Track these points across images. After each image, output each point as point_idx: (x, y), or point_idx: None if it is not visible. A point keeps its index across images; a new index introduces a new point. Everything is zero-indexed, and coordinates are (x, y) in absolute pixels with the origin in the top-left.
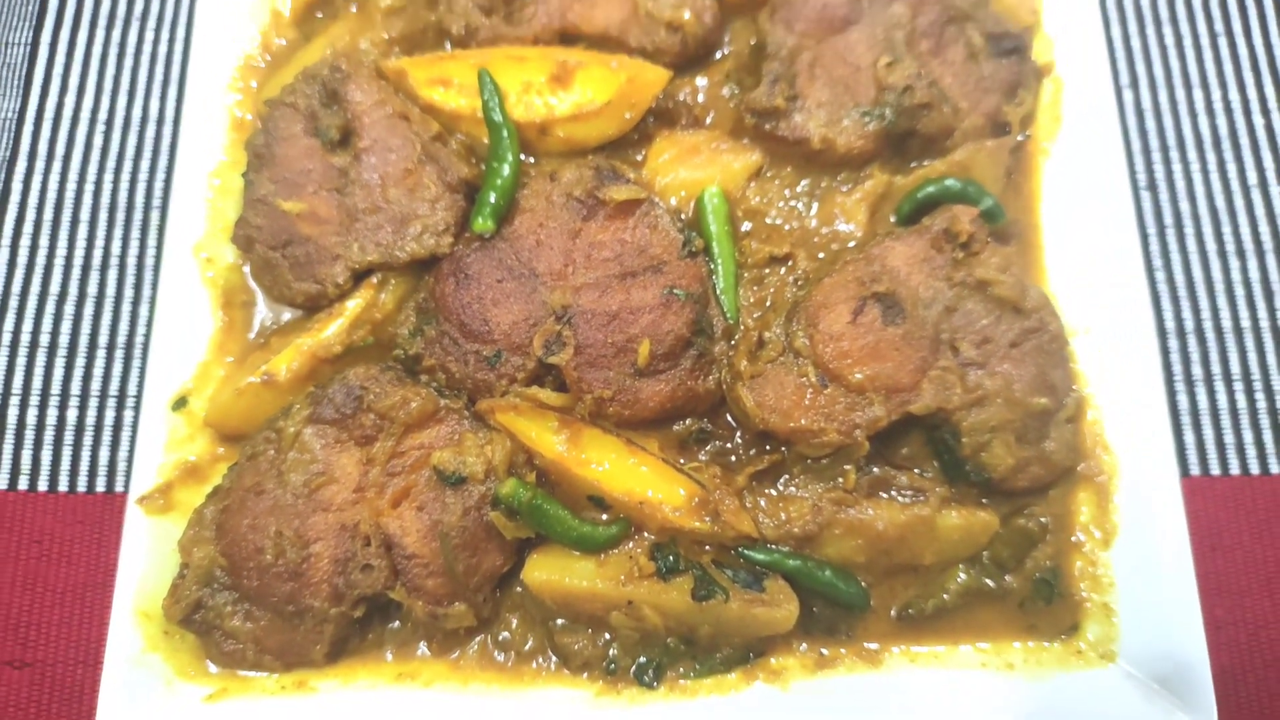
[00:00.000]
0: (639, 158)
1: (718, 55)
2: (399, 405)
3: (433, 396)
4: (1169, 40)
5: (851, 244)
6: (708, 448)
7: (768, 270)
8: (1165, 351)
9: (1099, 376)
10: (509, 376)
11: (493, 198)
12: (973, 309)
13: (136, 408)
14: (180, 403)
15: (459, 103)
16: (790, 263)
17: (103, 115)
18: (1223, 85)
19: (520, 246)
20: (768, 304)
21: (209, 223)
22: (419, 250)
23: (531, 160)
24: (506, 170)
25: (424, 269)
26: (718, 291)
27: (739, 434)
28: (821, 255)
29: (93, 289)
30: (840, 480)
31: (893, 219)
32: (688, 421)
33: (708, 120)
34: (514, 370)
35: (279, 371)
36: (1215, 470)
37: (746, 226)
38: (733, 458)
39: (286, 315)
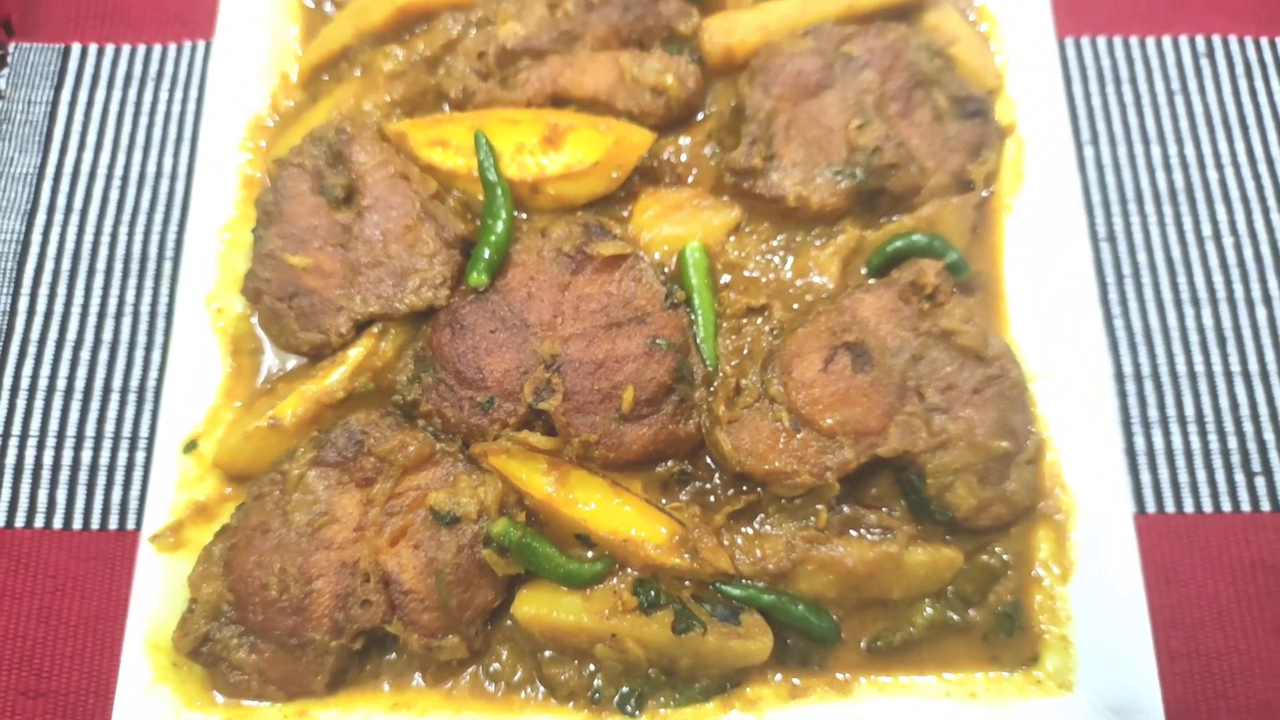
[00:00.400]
0: (625, 214)
1: (700, 116)
2: (397, 449)
3: (429, 441)
4: (1128, 98)
5: (824, 295)
6: (688, 488)
7: (745, 320)
8: (1123, 395)
9: (1058, 420)
10: (501, 421)
11: (487, 253)
12: (937, 357)
13: (148, 449)
14: (191, 445)
15: (456, 162)
16: (766, 313)
17: (119, 171)
18: (1179, 141)
19: (512, 299)
20: (745, 352)
21: (220, 274)
22: (417, 302)
23: (524, 216)
24: (500, 227)
25: (422, 319)
26: (698, 340)
27: (718, 475)
28: (796, 306)
29: (108, 335)
30: (813, 519)
31: (863, 271)
32: (669, 463)
33: (690, 178)
34: (506, 415)
35: (284, 416)
36: (1170, 508)
37: (726, 279)
38: (711, 498)
39: (292, 362)
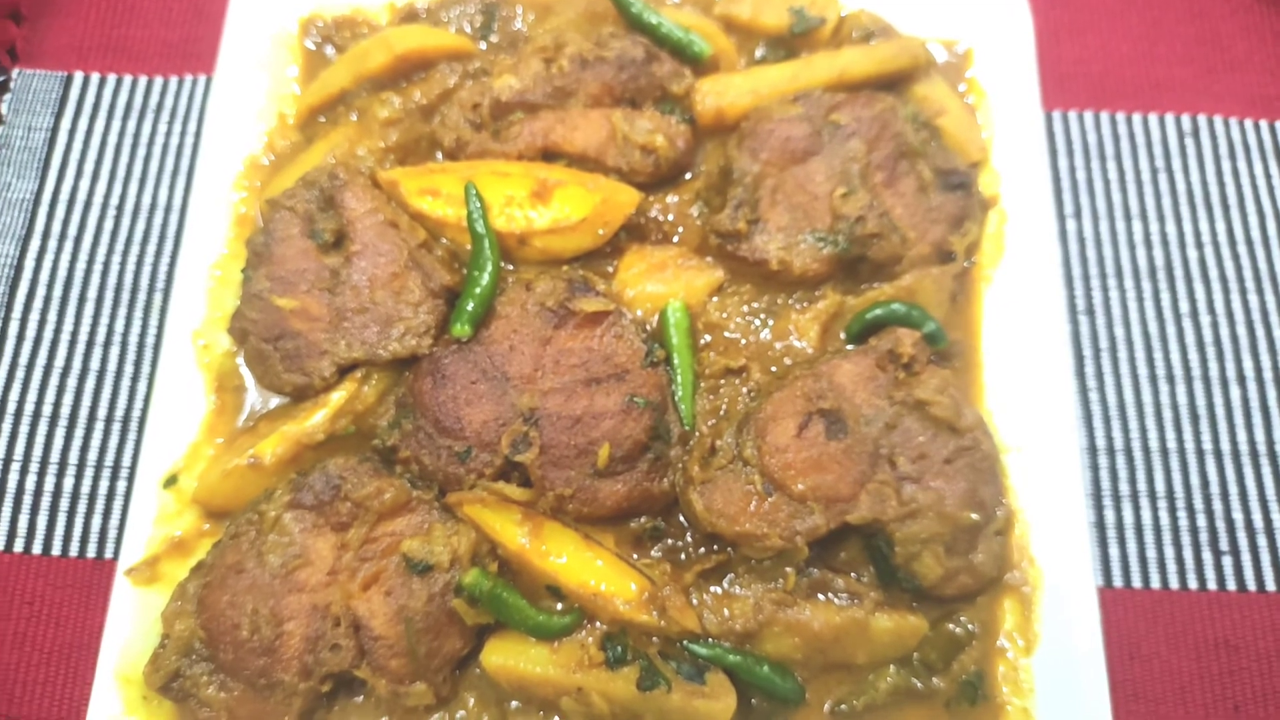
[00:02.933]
0: (610, 269)
1: (689, 175)
2: (374, 495)
3: (405, 488)
4: (1112, 174)
5: (803, 360)
6: (660, 544)
7: (724, 381)
8: (1095, 469)
9: (1028, 492)
10: (477, 471)
11: (471, 305)
12: (911, 426)
13: (129, 479)
14: (171, 480)
15: (445, 212)
16: (745, 374)
17: (114, 200)
18: (1160, 219)
19: (494, 351)
20: (722, 413)
21: (208, 310)
22: (400, 350)
23: (510, 268)
24: (485, 279)
25: (405, 365)
26: (676, 399)
27: (690, 533)
28: (774, 369)
29: (95, 364)
30: (781, 581)
31: (842, 336)
32: (643, 519)
33: (676, 237)
34: (482, 466)
35: (265, 455)
36: (1137, 583)
37: (706, 339)
38: (683, 555)
39: (275, 401)
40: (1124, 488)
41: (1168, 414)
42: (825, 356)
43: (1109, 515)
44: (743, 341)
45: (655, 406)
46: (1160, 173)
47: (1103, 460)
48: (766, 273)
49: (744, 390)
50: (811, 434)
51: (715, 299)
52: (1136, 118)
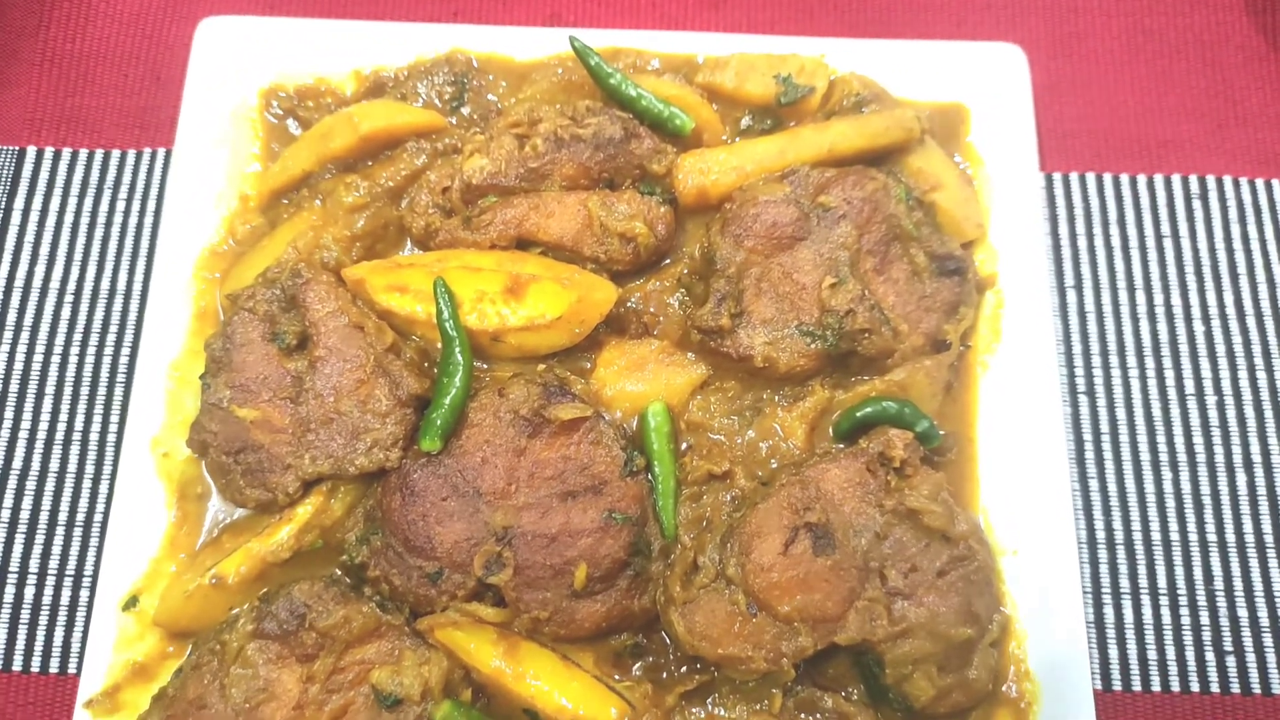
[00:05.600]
0: (588, 365)
1: (669, 260)
2: (341, 625)
3: (374, 614)
4: (1115, 240)
5: (789, 462)
6: (641, 662)
7: (706, 487)
8: (1094, 563)
9: (1025, 598)
10: (450, 593)
11: (440, 418)
12: (902, 536)
13: (91, 589)
14: (131, 602)
15: (415, 309)
16: (729, 480)
17: (71, 286)
18: (1165, 289)
19: (466, 464)
20: (704, 523)
21: (168, 414)
22: (368, 465)
23: (484, 366)
24: (456, 388)
25: (374, 477)
26: (657, 509)
27: (672, 650)
28: (759, 474)
29: (54, 464)
30: (767, 703)
31: (830, 432)
32: (623, 636)
33: (656, 329)
34: (454, 587)
35: (228, 575)
36: (1136, 686)
37: (688, 442)
38: (664, 674)
39: (240, 510)
40: (1123, 583)
41: (1170, 502)
42: (812, 460)
43: (1108, 613)
44: (726, 444)
45: (635, 521)
46: (1165, 239)
47: (1101, 554)
48: (751, 369)
49: (727, 497)
50: (798, 551)
51: (698, 396)
52: (1141, 179)
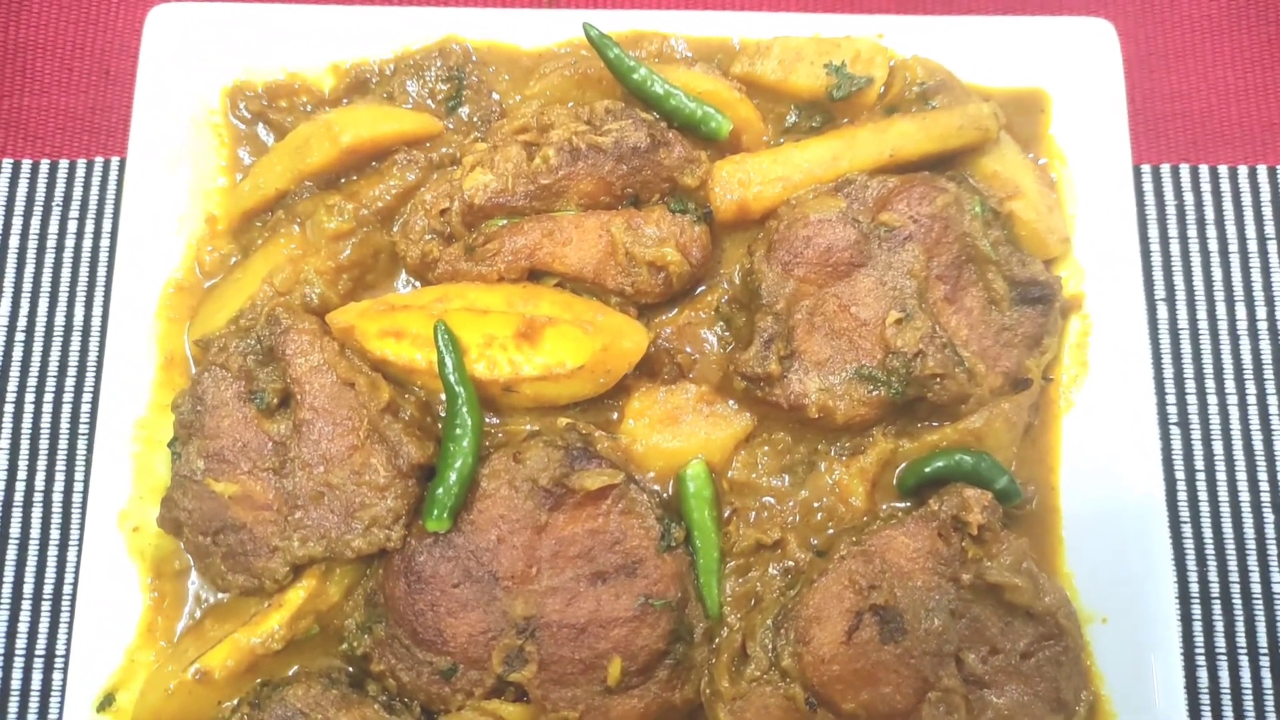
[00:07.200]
0: (614, 415)
1: (702, 288)
2: None
3: (381, 718)
4: (1212, 245)
5: (848, 526)
6: None
7: (754, 559)
8: (1187, 619)
9: (1115, 673)
10: (466, 691)
11: (447, 494)
12: (980, 614)
13: (65, 668)
14: (107, 700)
15: (413, 356)
16: (780, 550)
17: (21, 323)
18: (1269, 302)
19: (478, 543)
20: (753, 602)
21: (136, 482)
22: (366, 547)
23: (496, 421)
24: (464, 454)
25: (374, 556)
26: (699, 585)
27: None
28: (815, 542)
29: (15, 530)
30: None
31: (895, 486)
32: None
33: (693, 372)
34: (471, 685)
35: (214, 670)
36: None
37: (732, 505)
38: None
39: None
40: (1219, 642)
41: (1273, 549)
42: (875, 526)
43: (1202, 677)
44: (776, 506)
45: (674, 605)
46: (1270, 241)
47: (1195, 610)
48: (804, 419)
49: (779, 570)
50: (863, 638)
51: (742, 452)
52: (1243, 170)
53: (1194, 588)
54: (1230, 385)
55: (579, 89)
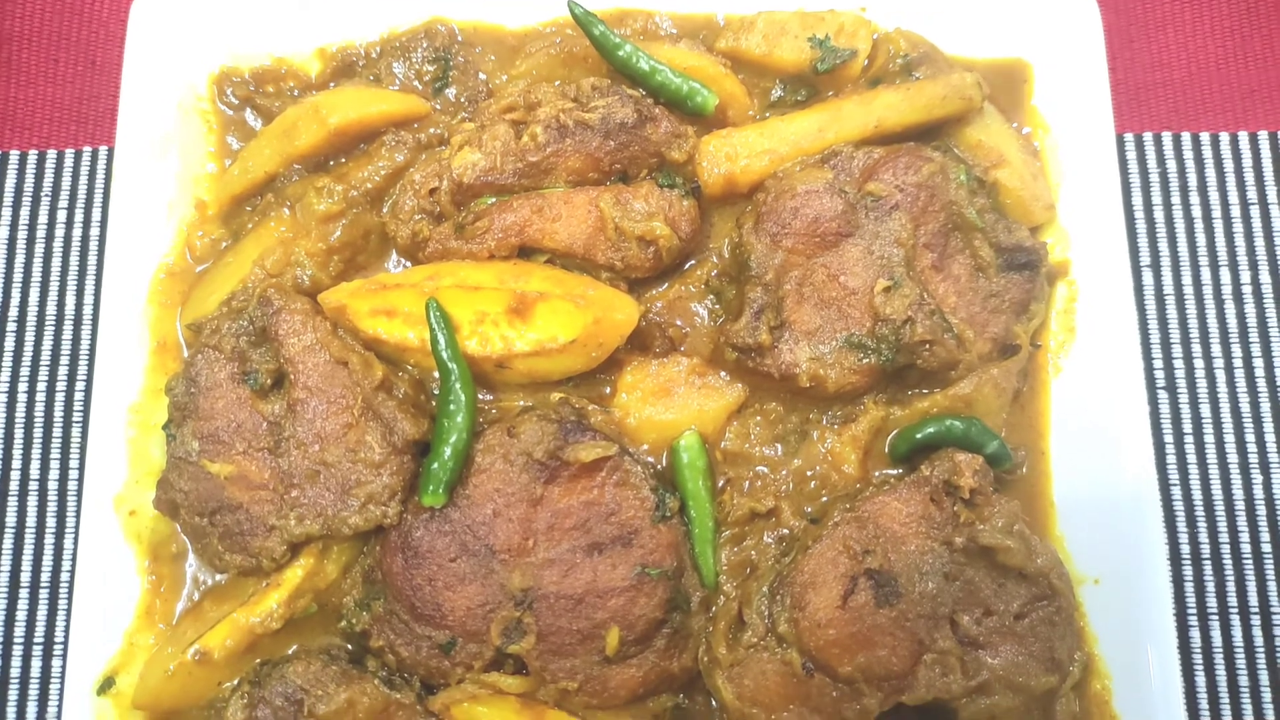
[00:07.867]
0: (607, 390)
1: (692, 262)
2: (344, 710)
3: (381, 693)
4: (1195, 211)
5: (841, 494)
6: None
7: (749, 528)
8: (1179, 580)
9: (1108, 634)
10: (465, 664)
11: (442, 469)
12: (974, 577)
13: (64, 656)
14: (107, 684)
15: (405, 335)
16: (774, 518)
17: (13, 313)
18: (1253, 266)
19: (475, 518)
20: (748, 570)
21: (131, 466)
22: (363, 524)
23: (489, 397)
24: (459, 429)
25: (371, 533)
26: (694, 555)
27: (719, 713)
28: (808, 510)
29: (11, 518)
30: None
31: (887, 453)
32: (663, 697)
33: (684, 344)
34: (470, 658)
35: (213, 650)
36: (1227, 716)
37: (726, 476)
38: None
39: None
40: (1211, 602)
41: (1261, 510)
42: (868, 492)
43: (1194, 636)
44: (770, 475)
45: (671, 574)
46: (1253, 206)
47: (1186, 571)
48: (795, 389)
49: (774, 538)
50: (858, 602)
51: (735, 423)
52: (1224, 137)
53: (1185, 549)
54: (1216, 349)
55: (565, 67)
